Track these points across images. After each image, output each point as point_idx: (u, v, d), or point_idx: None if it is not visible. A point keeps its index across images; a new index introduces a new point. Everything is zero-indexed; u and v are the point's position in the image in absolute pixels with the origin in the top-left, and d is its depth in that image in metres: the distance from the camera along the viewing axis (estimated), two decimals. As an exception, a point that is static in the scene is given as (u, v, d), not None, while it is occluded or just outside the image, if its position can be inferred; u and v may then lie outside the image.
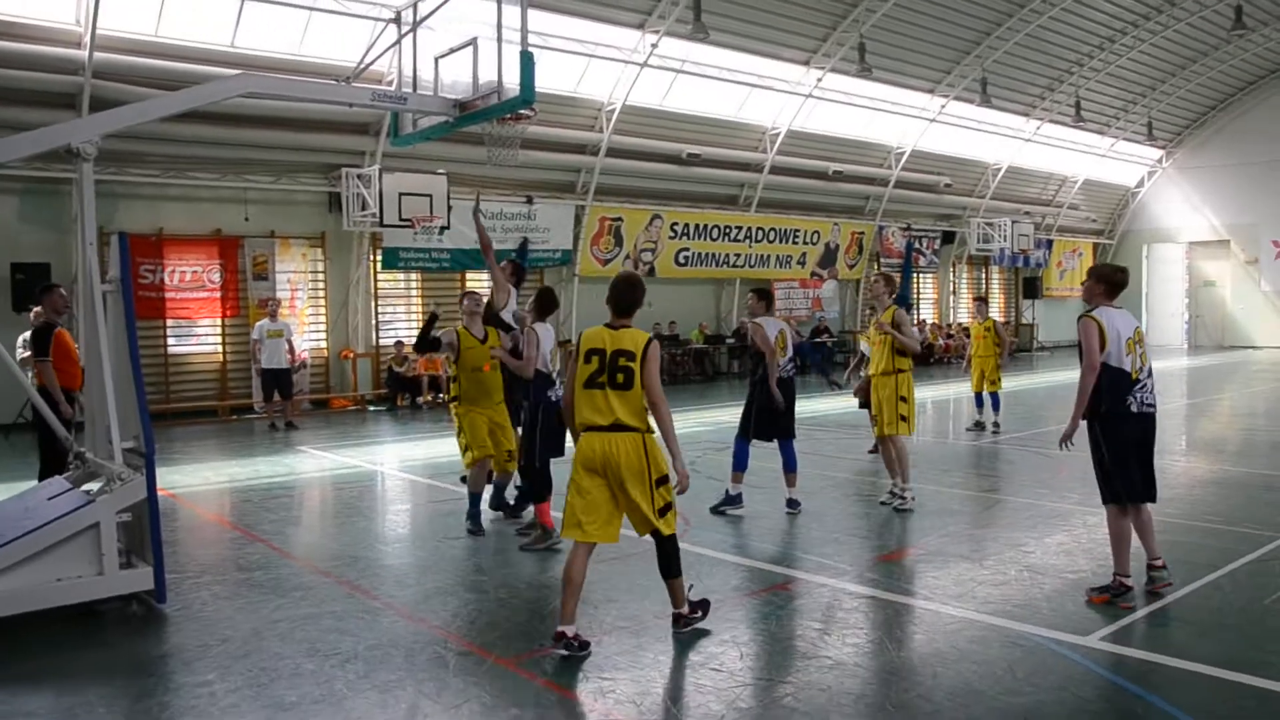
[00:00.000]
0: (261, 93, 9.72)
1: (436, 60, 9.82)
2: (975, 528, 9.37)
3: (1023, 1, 27.04)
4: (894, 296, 10.44)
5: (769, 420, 9.77)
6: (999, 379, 15.99)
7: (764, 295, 10.24)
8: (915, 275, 32.34)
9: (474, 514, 9.24)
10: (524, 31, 8.91)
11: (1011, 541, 8.77)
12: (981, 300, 17.65)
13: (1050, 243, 37.47)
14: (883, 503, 10.14)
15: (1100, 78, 32.20)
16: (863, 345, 12.95)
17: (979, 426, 15.82)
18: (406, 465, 13.83)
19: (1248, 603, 6.91)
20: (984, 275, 36.81)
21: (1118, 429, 6.69)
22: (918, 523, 9.45)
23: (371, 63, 10.42)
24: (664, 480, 5.98)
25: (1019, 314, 37.69)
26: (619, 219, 24.46)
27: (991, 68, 28.53)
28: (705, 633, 6.29)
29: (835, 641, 6.20)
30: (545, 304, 8.81)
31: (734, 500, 9.81)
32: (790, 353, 9.93)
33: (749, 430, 9.84)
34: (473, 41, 9.37)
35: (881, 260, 31.32)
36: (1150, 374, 6.87)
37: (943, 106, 29.29)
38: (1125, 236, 41.16)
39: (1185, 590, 7.06)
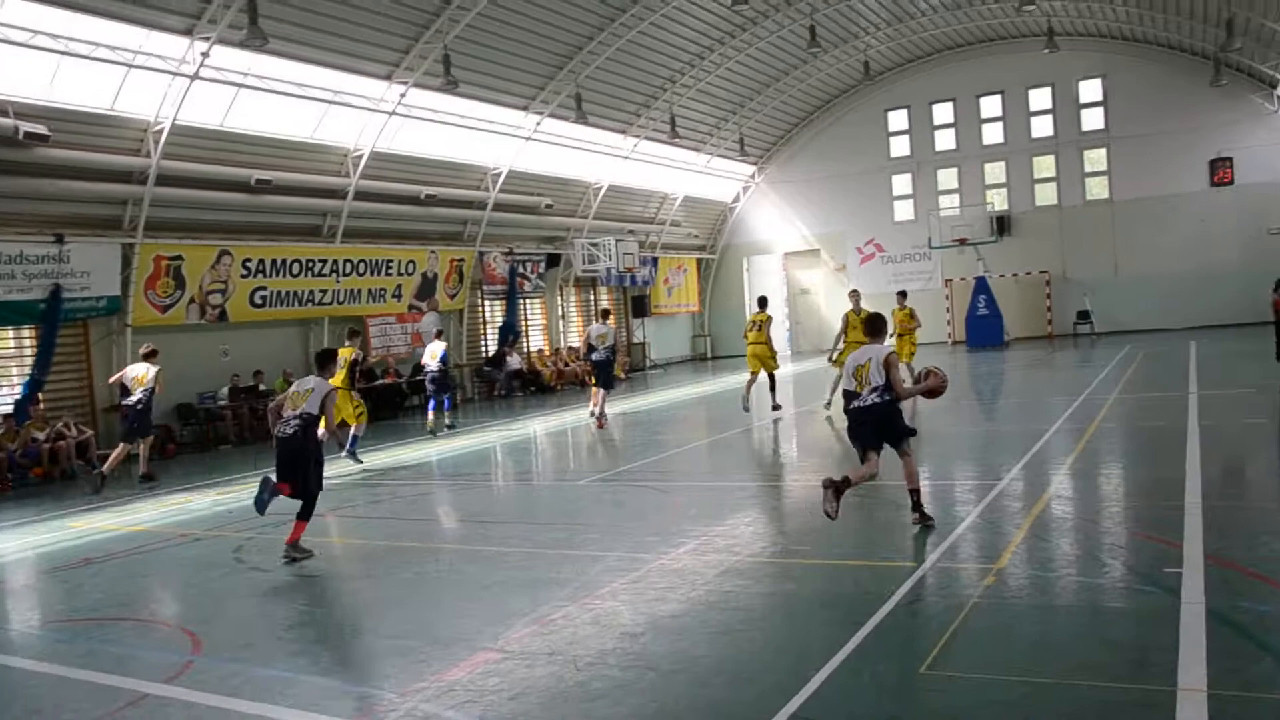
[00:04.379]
0: None
1: None
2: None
3: (612, 16, 26.28)
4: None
5: None
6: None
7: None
8: (521, 300, 30.81)
9: None
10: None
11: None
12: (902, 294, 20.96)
13: (656, 260, 37.31)
14: None
15: (692, 94, 32.28)
16: None
17: None
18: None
19: None
20: (592, 296, 35.87)
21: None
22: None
23: None
24: None
25: (629, 333, 37.18)
26: (178, 257, 20.72)
27: (586, 84, 27.57)
28: None
29: None
30: None
31: None
32: None
33: None
34: None
35: (485, 287, 29.44)
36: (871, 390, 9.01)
37: (538, 124, 27.97)
38: (726, 250, 41.98)
39: None
